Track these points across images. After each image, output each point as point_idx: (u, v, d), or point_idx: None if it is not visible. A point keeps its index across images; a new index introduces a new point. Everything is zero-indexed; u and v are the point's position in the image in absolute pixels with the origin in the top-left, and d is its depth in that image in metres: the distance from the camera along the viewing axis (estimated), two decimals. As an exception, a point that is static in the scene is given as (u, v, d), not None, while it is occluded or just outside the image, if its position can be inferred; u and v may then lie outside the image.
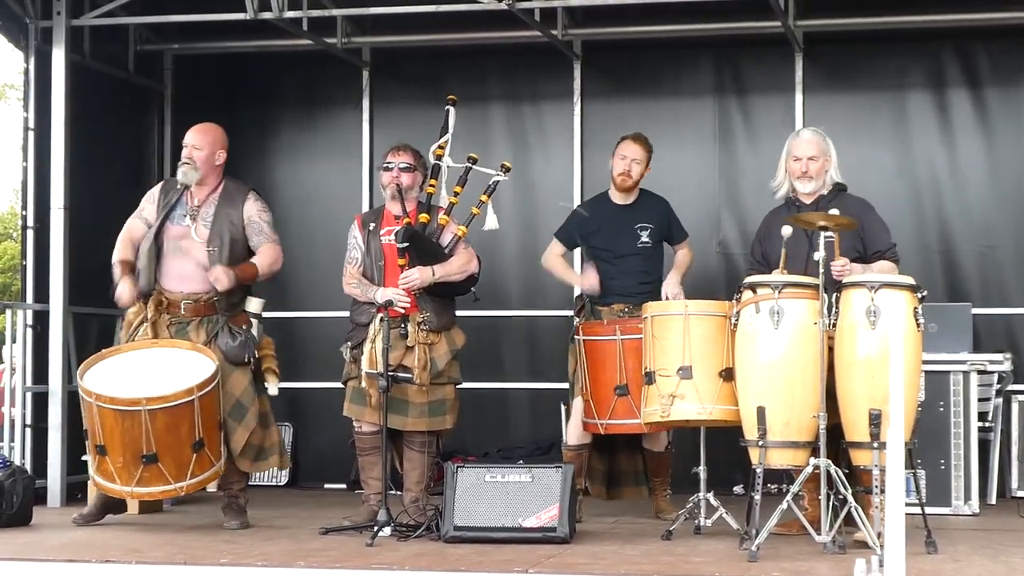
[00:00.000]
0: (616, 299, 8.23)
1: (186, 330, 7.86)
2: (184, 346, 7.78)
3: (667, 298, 8.16)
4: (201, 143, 8.00)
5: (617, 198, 8.42)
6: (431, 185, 7.98)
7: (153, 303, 7.87)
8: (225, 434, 7.78)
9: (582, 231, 8.47)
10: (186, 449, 7.57)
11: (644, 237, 8.32)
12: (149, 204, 8.07)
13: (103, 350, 7.90)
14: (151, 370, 7.64)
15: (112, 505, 7.96)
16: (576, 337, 8.04)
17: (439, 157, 8.01)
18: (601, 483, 8.44)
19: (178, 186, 7.97)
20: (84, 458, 7.86)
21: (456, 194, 7.97)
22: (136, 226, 8.05)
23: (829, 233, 7.25)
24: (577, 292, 8.72)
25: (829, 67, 10.30)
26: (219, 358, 7.73)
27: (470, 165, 8.06)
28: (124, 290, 7.89)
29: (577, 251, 9.07)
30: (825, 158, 7.50)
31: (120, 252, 8.01)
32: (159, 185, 8.19)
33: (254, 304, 8.00)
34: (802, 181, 7.49)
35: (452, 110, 8.12)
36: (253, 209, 7.98)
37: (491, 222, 8.03)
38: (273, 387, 8.05)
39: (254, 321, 7.97)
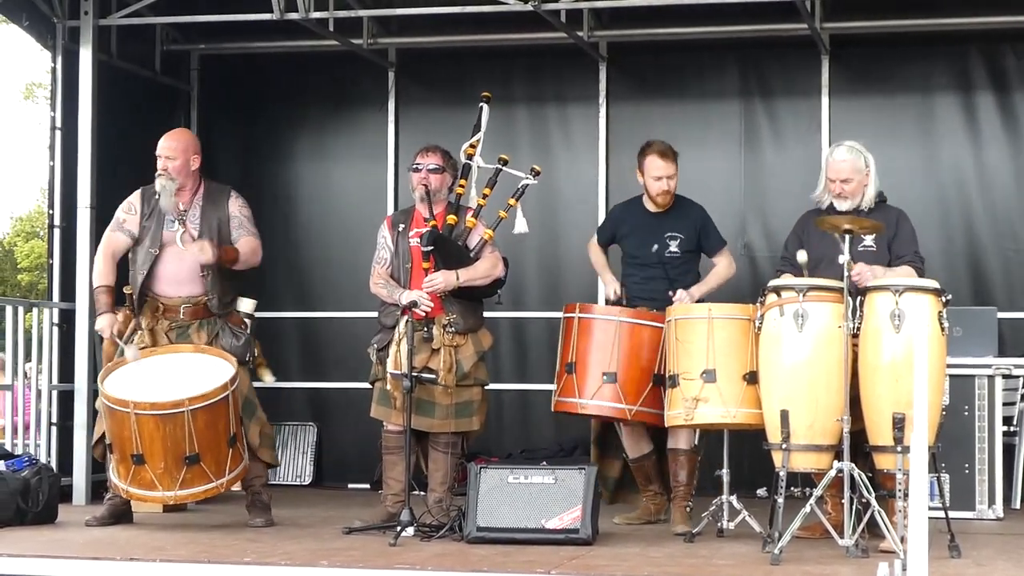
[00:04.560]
0: (641, 303, 8.11)
1: (187, 333, 7.95)
2: (186, 349, 7.86)
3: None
4: (173, 152, 8.00)
5: (650, 206, 8.22)
6: (461, 185, 7.97)
7: (148, 309, 7.94)
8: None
9: (617, 232, 8.37)
10: (223, 445, 7.68)
11: (672, 247, 8.10)
12: (130, 215, 8.06)
13: (108, 363, 7.93)
14: (168, 374, 7.69)
15: (121, 513, 8.01)
16: (570, 314, 7.86)
17: (470, 156, 7.98)
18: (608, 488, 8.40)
19: (156, 196, 7.98)
20: (110, 476, 7.87)
21: (485, 196, 7.96)
22: (117, 239, 8.06)
23: (869, 240, 7.27)
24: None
25: (855, 69, 10.28)
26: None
27: (500, 167, 8.01)
28: (106, 325, 7.94)
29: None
30: (862, 175, 7.46)
31: (102, 276, 8.02)
32: (137, 194, 8.13)
33: (246, 304, 8.09)
34: (839, 201, 7.47)
35: (486, 107, 8.08)
36: (235, 206, 8.07)
37: (520, 226, 8.00)
38: (270, 377, 8.27)
39: (248, 321, 8.05)
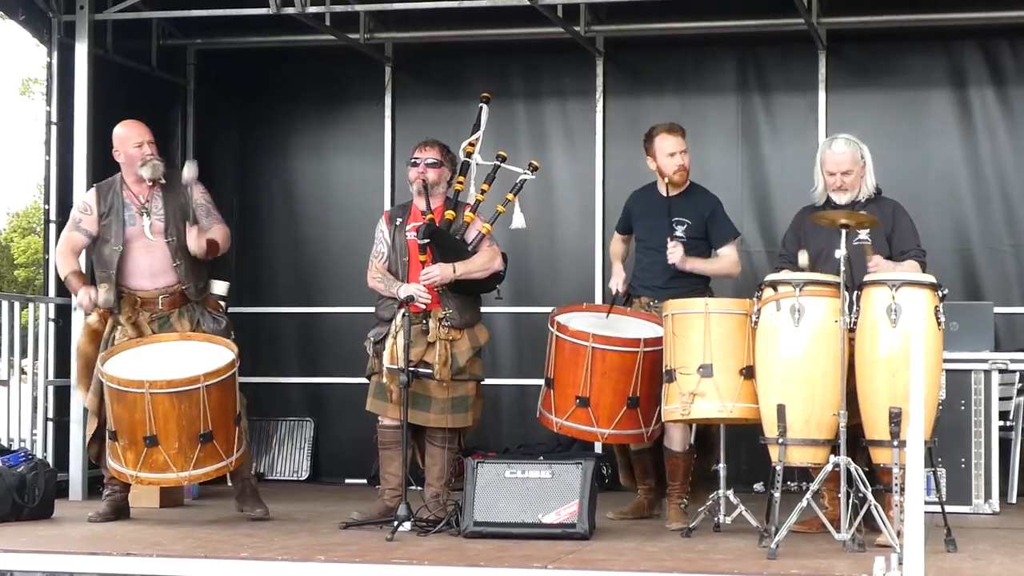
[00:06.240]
0: (644, 291, 8.12)
1: (169, 322, 7.97)
2: (173, 338, 7.88)
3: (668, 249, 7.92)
4: (151, 135, 8.04)
5: (664, 189, 8.15)
6: (459, 182, 7.97)
7: (127, 304, 7.93)
8: None
9: (631, 217, 8.35)
10: (231, 423, 7.74)
11: (679, 232, 8.03)
12: (86, 215, 8.04)
13: (101, 353, 7.88)
14: (166, 360, 7.70)
15: (122, 509, 8.01)
16: (551, 327, 7.83)
17: (469, 154, 7.98)
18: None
19: (147, 182, 7.95)
20: (113, 466, 7.84)
21: (483, 191, 7.96)
22: (75, 238, 8.05)
23: (864, 234, 7.26)
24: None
25: (853, 65, 10.28)
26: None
27: (498, 163, 8.00)
28: (85, 296, 7.90)
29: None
30: (860, 167, 7.47)
31: (67, 266, 8.00)
32: (91, 193, 8.12)
33: (220, 287, 8.15)
34: (838, 194, 7.46)
35: (485, 108, 8.08)
36: (196, 192, 8.04)
37: (518, 221, 8.00)
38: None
39: (223, 304, 8.10)
